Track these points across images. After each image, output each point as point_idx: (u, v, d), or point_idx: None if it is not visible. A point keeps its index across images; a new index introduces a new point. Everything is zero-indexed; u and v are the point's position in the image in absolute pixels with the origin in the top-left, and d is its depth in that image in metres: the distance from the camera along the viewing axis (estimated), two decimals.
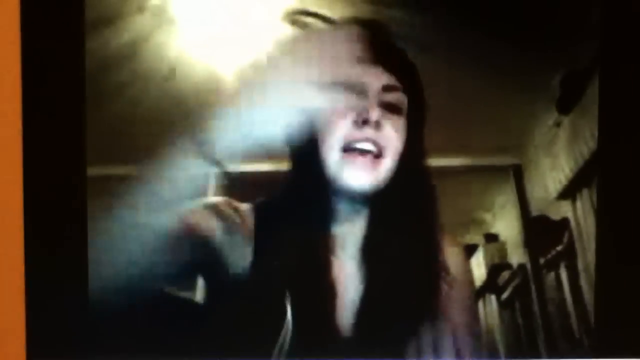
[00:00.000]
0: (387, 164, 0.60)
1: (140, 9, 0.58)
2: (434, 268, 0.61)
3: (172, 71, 0.58)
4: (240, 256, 0.60)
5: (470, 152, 0.62)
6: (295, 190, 0.61)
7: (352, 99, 0.59)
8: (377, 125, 0.59)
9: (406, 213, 0.61)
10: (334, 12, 0.59)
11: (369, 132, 0.59)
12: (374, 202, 0.61)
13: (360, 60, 0.59)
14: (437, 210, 0.61)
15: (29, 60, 0.58)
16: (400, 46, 0.60)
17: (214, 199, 0.60)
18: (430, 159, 0.61)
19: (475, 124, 0.61)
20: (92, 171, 0.58)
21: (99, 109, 0.58)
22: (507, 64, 0.60)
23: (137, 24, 0.58)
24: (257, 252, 0.60)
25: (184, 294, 0.60)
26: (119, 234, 0.58)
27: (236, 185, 0.60)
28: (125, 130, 0.59)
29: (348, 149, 0.59)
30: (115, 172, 0.59)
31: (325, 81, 0.58)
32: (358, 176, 0.59)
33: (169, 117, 0.58)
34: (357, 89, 0.59)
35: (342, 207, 0.61)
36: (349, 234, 0.62)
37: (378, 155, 0.60)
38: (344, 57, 0.59)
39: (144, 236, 0.57)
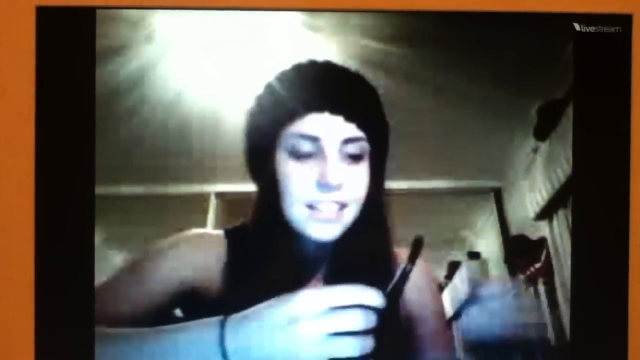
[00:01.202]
0: (351, 212, 0.59)
1: (148, 40, 0.60)
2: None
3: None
4: (213, 282, 0.59)
5: (454, 175, 0.63)
6: (262, 227, 0.60)
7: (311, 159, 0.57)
8: (339, 187, 0.57)
9: (366, 245, 0.60)
10: (329, 47, 0.60)
11: (331, 194, 0.57)
12: (338, 241, 0.59)
13: (319, 110, 0.57)
14: (391, 241, 0.60)
15: (43, 86, 0.59)
16: (367, 91, 0.59)
17: (186, 233, 0.60)
18: (417, 181, 0.62)
19: (458, 149, 0.62)
20: (100, 190, 0.59)
21: (108, 132, 0.59)
22: (488, 95, 0.61)
23: (145, 53, 0.60)
24: (228, 277, 0.59)
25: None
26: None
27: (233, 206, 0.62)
28: (132, 152, 0.60)
29: (312, 207, 0.58)
30: (122, 191, 0.61)
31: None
32: (323, 230, 0.58)
33: (175, 139, 0.60)
34: (316, 145, 0.57)
35: (307, 247, 0.60)
36: (315, 264, 0.60)
37: (342, 206, 0.58)
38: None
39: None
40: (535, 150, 0.64)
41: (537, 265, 0.64)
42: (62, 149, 0.60)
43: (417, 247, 0.55)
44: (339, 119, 0.57)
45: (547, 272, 0.64)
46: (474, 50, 0.61)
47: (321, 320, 0.51)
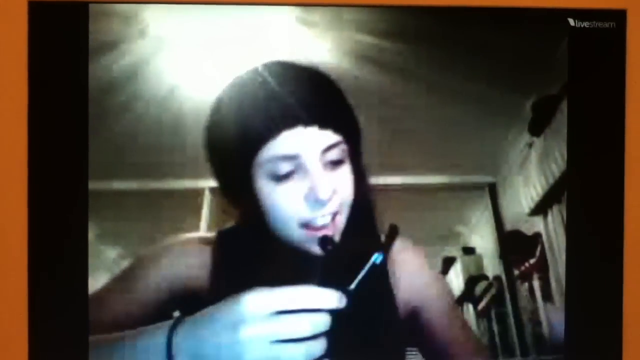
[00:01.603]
0: (343, 217, 0.57)
1: (142, 34, 0.59)
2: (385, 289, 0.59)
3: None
4: (209, 285, 0.58)
5: (449, 171, 0.63)
6: (251, 242, 0.58)
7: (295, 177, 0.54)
8: (330, 199, 0.55)
9: (357, 245, 0.57)
10: (323, 43, 0.60)
11: (324, 208, 0.55)
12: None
13: (291, 125, 0.53)
14: (379, 232, 0.58)
15: (36, 81, 0.59)
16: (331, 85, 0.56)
17: (179, 238, 0.59)
18: (412, 177, 0.62)
19: (453, 145, 0.62)
20: (94, 185, 0.59)
21: (102, 127, 0.59)
22: (482, 91, 0.61)
23: (138, 49, 0.59)
24: (223, 280, 0.58)
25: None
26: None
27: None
28: (126, 147, 0.60)
29: (307, 225, 0.55)
30: (116, 187, 0.60)
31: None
32: (322, 244, 0.56)
33: (168, 135, 0.60)
34: (295, 162, 0.54)
35: (300, 256, 0.57)
36: (309, 268, 0.56)
37: (335, 215, 0.56)
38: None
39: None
40: (529, 146, 0.64)
41: (532, 261, 0.65)
42: (55, 145, 0.59)
43: (391, 236, 0.54)
44: (314, 130, 0.54)
45: (542, 268, 0.64)
46: (468, 46, 0.61)
47: (266, 324, 0.48)
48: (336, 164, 0.55)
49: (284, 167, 0.54)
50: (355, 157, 0.57)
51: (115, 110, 0.60)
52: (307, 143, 0.54)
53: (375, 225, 0.58)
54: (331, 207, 0.55)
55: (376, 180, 0.61)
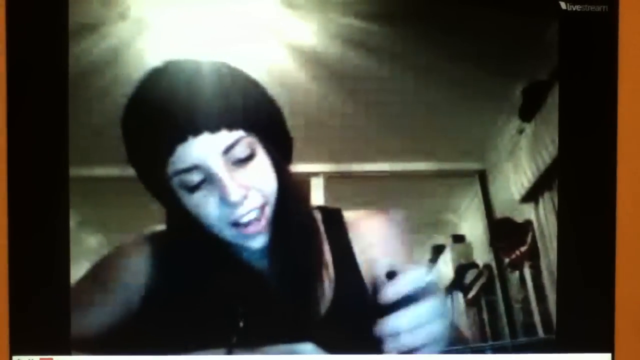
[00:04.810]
0: (272, 206, 0.57)
1: (122, 17, 0.58)
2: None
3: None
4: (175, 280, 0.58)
5: (438, 157, 0.62)
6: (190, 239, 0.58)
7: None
8: (246, 196, 0.55)
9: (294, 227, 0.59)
10: (309, 26, 0.59)
11: (243, 206, 0.55)
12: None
13: (182, 139, 0.53)
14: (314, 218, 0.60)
15: (14, 65, 0.58)
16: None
17: (148, 231, 0.59)
18: (399, 164, 0.61)
19: (442, 131, 0.61)
20: (74, 171, 0.59)
21: (82, 112, 0.59)
22: (471, 75, 0.61)
23: (119, 31, 0.58)
24: (171, 272, 0.58)
25: None
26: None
27: None
28: (107, 133, 0.59)
29: (236, 224, 0.56)
30: (97, 173, 0.60)
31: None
32: (255, 240, 0.57)
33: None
34: (202, 170, 0.54)
35: (244, 252, 0.59)
36: (253, 252, 0.59)
37: (262, 207, 0.56)
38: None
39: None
40: (520, 132, 0.63)
41: (523, 249, 0.64)
42: (34, 130, 0.58)
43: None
44: (206, 136, 0.54)
45: (533, 256, 0.64)
46: (457, 29, 0.61)
47: None
48: (246, 159, 0.55)
49: (193, 178, 0.54)
50: (269, 145, 0.56)
51: (96, 95, 0.59)
52: (203, 151, 0.54)
53: (307, 206, 0.59)
54: (252, 204, 0.55)
55: (362, 167, 0.61)
